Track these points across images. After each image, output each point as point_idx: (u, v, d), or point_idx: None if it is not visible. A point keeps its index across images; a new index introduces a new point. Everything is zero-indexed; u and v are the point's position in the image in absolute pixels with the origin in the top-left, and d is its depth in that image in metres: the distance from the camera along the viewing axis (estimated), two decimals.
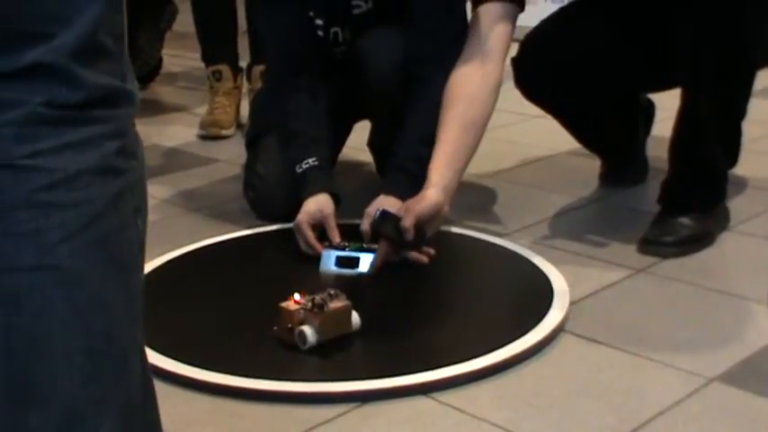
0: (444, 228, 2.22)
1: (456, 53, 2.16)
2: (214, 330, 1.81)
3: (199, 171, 2.83)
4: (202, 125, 3.19)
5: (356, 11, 2.27)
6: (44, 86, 0.83)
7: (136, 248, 0.92)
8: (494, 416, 1.53)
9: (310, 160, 2.17)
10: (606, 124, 2.46)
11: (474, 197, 2.52)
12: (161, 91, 3.77)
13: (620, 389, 1.60)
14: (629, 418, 1.51)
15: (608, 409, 1.54)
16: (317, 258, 2.04)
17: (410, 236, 1.99)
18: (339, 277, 1.99)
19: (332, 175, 2.21)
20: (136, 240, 0.92)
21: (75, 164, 0.85)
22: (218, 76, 3.24)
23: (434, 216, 2.02)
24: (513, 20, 2.14)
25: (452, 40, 2.18)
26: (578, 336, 1.78)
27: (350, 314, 1.74)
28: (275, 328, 1.73)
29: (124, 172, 0.89)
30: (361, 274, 2.00)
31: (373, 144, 2.61)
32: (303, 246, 2.09)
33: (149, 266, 2.03)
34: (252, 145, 2.45)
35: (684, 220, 2.14)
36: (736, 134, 2.20)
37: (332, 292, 1.73)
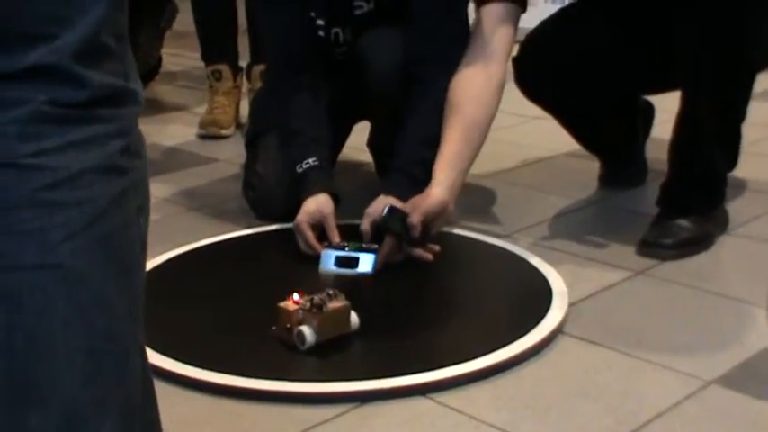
0: (444, 228, 2.22)
1: (457, 54, 2.17)
2: (213, 330, 1.81)
3: (198, 170, 2.83)
4: (202, 124, 3.19)
5: (357, 11, 2.27)
6: (48, 86, 0.83)
7: (138, 248, 0.92)
8: (492, 417, 1.53)
9: (311, 160, 2.17)
10: (606, 125, 2.46)
11: (474, 198, 2.52)
12: (160, 90, 3.77)
13: (618, 391, 1.60)
14: (627, 420, 1.51)
15: (606, 410, 1.54)
16: (316, 258, 2.05)
17: (417, 233, 2.00)
18: (338, 277, 1.99)
19: (332, 176, 2.21)
20: (138, 239, 0.92)
21: (79, 162, 0.85)
22: (217, 76, 3.24)
23: (440, 214, 2.04)
24: (515, 21, 2.16)
25: (453, 41, 2.19)
26: (577, 337, 1.78)
27: (349, 314, 1.74)
28: (274, 327, 1.73)
29: (128, 171, 0.89)
30: (360, 274, 2.00)
31: (373, 144, 2.61)
32: (302, 246, 2.09)
33: (148, 265, 2.03)
34: (251, 144, 2.45)
35: (683, 223, 2.15)
36: (736, 137, 2.20)
37: (331, 292, 1.73)
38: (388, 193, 2.12)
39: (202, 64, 3.31)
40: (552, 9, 2.46)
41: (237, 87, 3.28)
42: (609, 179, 2.59)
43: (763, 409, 1.53)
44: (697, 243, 2.15)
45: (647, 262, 2.10)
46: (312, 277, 1.99)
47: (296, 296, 1.72)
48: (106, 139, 0.87)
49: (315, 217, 2.10)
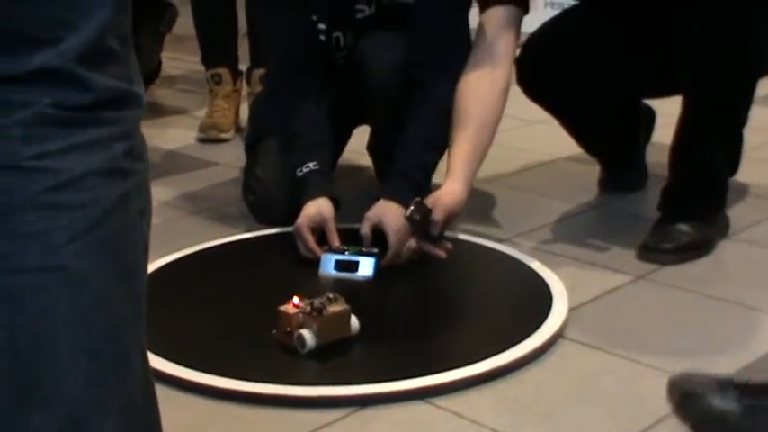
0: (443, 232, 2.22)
1: (459, 59, 2.18)
2: (213, 333, 1.81)
3: (198, 174, 2.82)
4: (202, 128, 3.19)
5: (359, 15, 2.27)
6: (52, 89, 0.83)
7: (140, 250, 0.92)
8: (492, 421, 1.53)
9: (311, 164, 2.16)
10: (607, 128, 2.46)
11: (474, 202, 2.51)
12: (160, 94, 3.76)
13: (618, 395, 1.60)
14: (628, 424, 1.51)
15: (607, 415, 1.54)
16: (316, 262, 2.04)
17: (437, 230, 2.04)
18: (338, 281, 1.99)
19: (332, 180, 2.21)
20: (140, 242, 0.92)
21: (83, 165, 0.85)
22: (217, 80, 3.23)
23: (458, 211, 2.08)
24: (518, 23, 2.18)
25: (455, 45, 2.19)
26: (577, 342, 1.78)
27: (349, 318, 1.74)
28: (274, 331, 1.73)
29: (131, 174, 0.89)
30: (360, 278, 2.00)
31: (373, 148, 2.61)
32: (303, 249, 2.09)
33: (149, 269, 2.03)
34: (251, 148, 2.45)
35: (684, 227, 2.14)
36: (737, 141, 2.20)
37: (331, 295, 1.73)
38: (388, 197, 2.12)
39: (202, 68, 3.31)
40: (552, 13, 2.46)
41: (237, 91, 3.28)
42: (609, 183, 2.58)
43: None
44: (698, 248, 2.14)
45: (647, 266, 2.09)
46: (312, 281, 1.99)
47: (296, 300, 1.72)
48: (110, 141, 0.87)
49: (315, 221, 2.09)
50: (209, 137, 3.16)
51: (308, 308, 1.70)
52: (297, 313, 1.70)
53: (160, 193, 2.60)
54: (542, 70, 2.29)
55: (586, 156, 2.62)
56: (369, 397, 1.59)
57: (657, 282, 2.03)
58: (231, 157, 2.93)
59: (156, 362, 1.64)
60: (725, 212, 2.25)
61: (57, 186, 0.84)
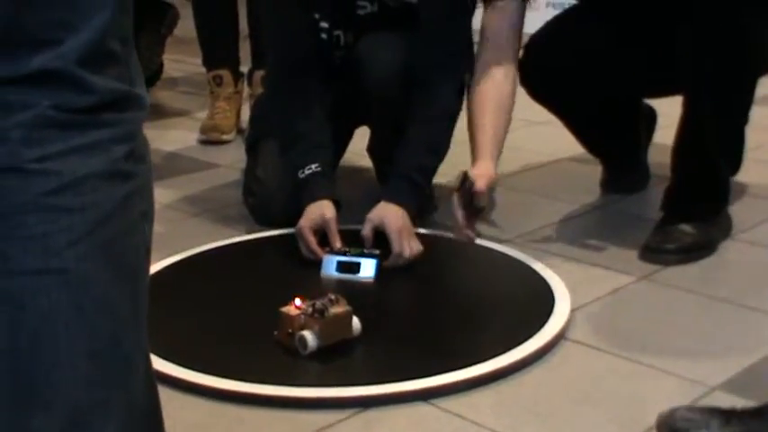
0: (445, 234, 2.22)
1: (461, 61, 2.19)
2: (215, 335, 1.81)
3: (199, 176, 2.82)
4: (203, 130, 3.19)
5: (361, 11, 2.26)
6: (52, 92, 0.83)
7: (142, 252, 0.92)
8: (494, 422, 1.53)
9: (313, 166, 2.16)
10: (610, 127, 2.46)
11: None
12: (162, 95, 3.77)
13: (621, 397, 1.60)
14: (630, 426, 1.51)
15: (609, 416, 1.54)
16: (318, 263, 2.04)
17: (485, 201, 2.11)
18: (340, 282, 1.99)
19: (334, 181, 2.21)
20: (142, 244, 0.92)
21: (84, 168, 0.85)
22: (218, 81, 3.23)
23: (494, 186, 2.16)
24: (522, 15, 2.23)
25: (458, 48, 2.20)
26: (579, 343, 1.78)
27: (351, 319, 1.74)
28: (276, 333, 1.73)
29: (133, 176, 0.89)
30: (362, 280, 2.00)
31: (373, 151, 2.60)
32: (304, 251, 2.09)
33: (150, 271, 2.03)
34: (252, 149, 2.45)
35: (686, 228, 2.14)
36: (739, 141, 2.20)
37: (333, 297, 1.73)
38: (389, 199, 2.12)
39: (204, 69, 3.31)
40: (553, 13, 2.46)
41: (239, 93, 3.28)
42: (611, 184, 2.58)
43: None
44: (700, 248, 2.14)
45: (650, 267, 2.09)
46: (314, 282, 1.98)
47: (298, 301, 1.72)
48: (111, 144, 0.87)
49: (317, 222, 2.09)
50: (210, 138, 3.16)
51: (310, 309, 1.70)
52: (299, 315, 1.70)
53: (161, 194, 2.60)
54: (546, 71, 2.30)
55: (588, 156, 2.62)
56: (371, 398, 1.59)
57: (660, 283, 2.03)
58: (232, 159, 2.93)
59: (158, 363, 1.63)
60: (727, 213, 2.25)
61: (57, 189, 0.84)
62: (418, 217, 2.20)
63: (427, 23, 2.20)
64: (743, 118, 2.15)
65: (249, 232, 2.32)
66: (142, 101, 0.91)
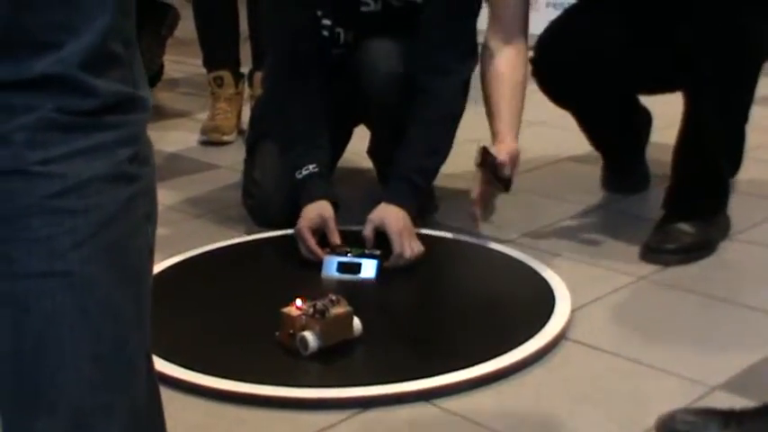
0: (444, 235, 2.22)
1: (464, 63, 2.19)
2: (216, 336, 1.81)
3: (200, 177, 2.83)
4: (204, 131, 3.19)
5: (364, 8, 2.25)
6: (55, 96, 0.83)
7: (146, 254, 0.92)
8: (495, 422, 1.53)
9: (310, 167, 2.16)
10: (618, 124, 2.47)
11: None
12: (162, 97, 3.76)
13: (621, 396, 1.60)
14: (631, 426, 1.51)
15: (609, 416, 1.54)
16: (318, 264, 2.04)
17: (509, 171, 2.11)
18: (341, 283, 1.99)
19: (331, 182, 2.21)
20: (146, 246, 0.92)
21: (87, 170, 0.85)
22: (219, 82, 3.23)
23: (518, 159, 2.15)
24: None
25: (461, 50, 2.20)
26: (580, 343, 1.78)
27: (351, 320, 1.74)
28: (277, 333, 1.73)
29: (136, 178, 0.89)
30: (363, 280, 2.00)
31: (373, 153, 2.60)
32: (304, 251, 2.09)
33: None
34: (251, 151, 2.45)
35: (685, 227, 2.15)
36: (740, 139, 2.20)
37: (333, 297, 1.73)
38: (389, 201, 2.12)
39: (204, 70, 3.31)
40: (554, 14, 2.46)
41: (239, 94, 3.28)
42: (612, 184, 2.58)
43: None
44: (700, 248, 2.14)
45: (650, 267, 2.10)
46: (315, 283, 1.99)
47: (299, 302, 1.72)
48: (114, 146, 0.87)
49: (315, 222, 2.09)
50: (211, 139, 3.16)
51: (311, 310, 1.70)
52: (300, 315, 1.70)
53: (162, 195, 2.58)
54: (559, 71, 2.28)
55: (588, 157, 2.62)
56: (372, 399, 1.59)
57: (660, 283, 2.03)
58: (233, 160, 2.93)
59: (159, 364, 1.63)
60: (726, 213, 2.25)
61: (61, 192, 0.84)
62: (419, 217, 2.20)
63: (431, 24, 2.19)
64: (743, 116, 2.15)
65: (250, 233, 2.32)
66: (145, 103, 0.91)
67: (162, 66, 3.75)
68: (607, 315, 1.90)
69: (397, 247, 2.05)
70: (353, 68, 2.26)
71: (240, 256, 2.21)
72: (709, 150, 2.15)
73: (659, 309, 1.93)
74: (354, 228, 2.13)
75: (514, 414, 1.56)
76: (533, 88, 2.32)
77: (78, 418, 0.86)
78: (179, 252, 2.17)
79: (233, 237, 2.30)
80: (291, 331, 1.70)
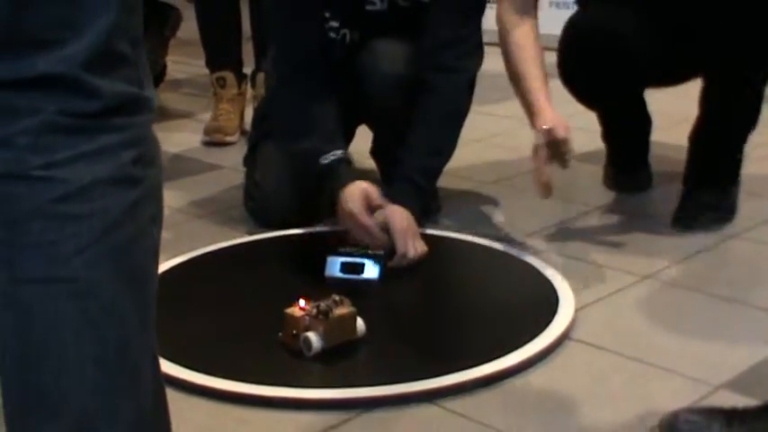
0: (448, 234, 2.22)
1: (469, 64, 2.19)
2: (219, 336, 1.81)
3: (203, 177, 2.83)
4: (207, 131, 3.19)
5: (370, 7, 2.24)
6: (58, 96, 0.83)
7: (150, 257, 0.91)
8: (499, 422, 1.53)
9: (338, 152, 2.14)
10: (635, 117, 2.49)
11: (478, 204, 2.52)
12: (165, 97, 3.76)
13: (625, 396, 1.60)
14: (635, 424, 1.51)
15: (613, 416, 1.54)
16: (322, 265, 2.04)
17: (569, 146, 2.08)
18: (344, 283, 1.99)
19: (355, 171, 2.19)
20: (151, 249, 0.91)
21: (91, 174, 0.84)
22: (222, 83, 3.23)
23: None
24: None
25: (467, 49, 2.19)
26: (584, 342, 1.78)
27: (355, 320, 1.74)
28: (280, 334, 1.73)
29: (141, 181, 0.88)
30: (366, 280, 2.00)
31: (376, 154, 2.60)
32: (359, 234, 2.07)
33: None
34: (251, 153, 2.44)
35: (707, 197, 2.30)
36: (757, 101, 2.27)
37: (337, 298, 1.73)
38: (394, 201, 2.12)
39: (207, 71, 3.31)
40: (557, 14, 2.45)
41: (242, 94, 3.28)
42: (615, 184, 2.57)
43: None
44: (725, 212, 2.30)
45: (654, 266, 2.09)
46: (318, 283, 1.98)
47: (302, 302, 1.72)
48: (119, 149, 0.86)
49: (366, 199, 2.08)
50: (213, 140, 3.16)
51: (315, 310, 1.70)
52: (303, 316, 1.70)
53: (165, 196, 2.59)
54: (587, 68, 2.26)
55: (591, 156, 2.62)
56: (375, 399, 1.59)
57: (663, 282, 2.03)
58: (236, 161, 2.92)
59: (163, 364, 1.62)
60: (739, 182, 2.35)
61: (64, 196, 0.83)
62: (423, 217, 2.20)
63: (437, 22, 2.19)
64: (761, 82, 2.24)
65: (253, 234, 2.32)
66: (150, 103, 0.90)
67: (165, 67, 3.75)
68: (611, 314, 1.89)
69: (400, 247, 2.05)
70: (356, 69, 2.26)
71: (243, 256, 2.21)
72: (727, 126, 2.27)
73: (663, 308, 1.92)
74: None
75: (519, 414, 1.55)
76: None
77: (83, 423, 0.85)
78: (182, 253, 2.17)
79: (236, 237, 2.30)
80: (295, 332, 1.70)
